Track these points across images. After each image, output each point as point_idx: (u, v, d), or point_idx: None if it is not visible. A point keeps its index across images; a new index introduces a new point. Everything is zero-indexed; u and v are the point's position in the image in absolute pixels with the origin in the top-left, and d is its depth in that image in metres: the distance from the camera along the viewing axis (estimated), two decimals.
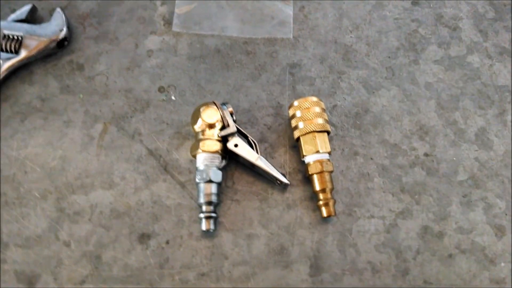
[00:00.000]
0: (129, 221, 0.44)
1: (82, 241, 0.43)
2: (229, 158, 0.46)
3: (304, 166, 0.46)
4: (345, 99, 0.51)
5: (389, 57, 0.53)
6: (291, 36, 0.54)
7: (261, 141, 0.48)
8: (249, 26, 0.54)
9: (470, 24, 0.56)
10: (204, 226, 0.42)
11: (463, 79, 0.53)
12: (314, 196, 0.45)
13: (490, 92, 0.52)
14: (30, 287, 0.41)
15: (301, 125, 0.45)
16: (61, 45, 0.50)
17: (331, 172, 0.45)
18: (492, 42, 0.55)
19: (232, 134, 0.45)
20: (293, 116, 0.46)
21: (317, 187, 0.44)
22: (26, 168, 0.46)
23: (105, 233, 0.43)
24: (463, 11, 0.57)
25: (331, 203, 0.44)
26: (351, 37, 0.54)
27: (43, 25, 0.50)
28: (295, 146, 0.48)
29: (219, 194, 0.44)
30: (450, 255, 0.44)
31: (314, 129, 0.45)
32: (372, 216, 0.45)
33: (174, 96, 0.50)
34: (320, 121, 0.45)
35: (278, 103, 0.50)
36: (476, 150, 0.49)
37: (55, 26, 0.50)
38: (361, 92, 0.51)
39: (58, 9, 0.51)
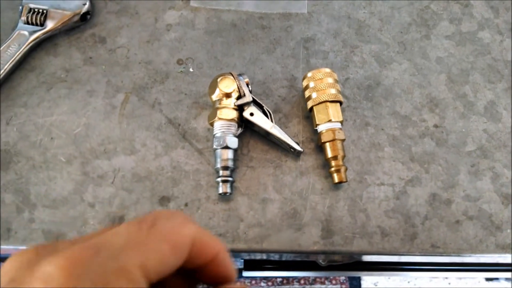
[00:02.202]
0: (150, 184, 0.46)
1: (106, 203, 0.45)
2: (245, 126, 0.48)
3: (316, 135, 0.48)
4: (357, 72, 0.52)
5: (401, 32, 0.55)
6: (305, 11, 0.55)
7: (275, 111, 0.50)
8: (264, 1, 0.55)
9: (482, 0, 0.57)
10: (221, 189, 0.45)
11: (474, 54, 0.54)
12: (326, 164, 0.47)
13: (500, 67, 0.53)
14: None
15: (314, 95, 0.47)
16: (84, 19, 0.53)
17: (343, 140, 0.46)
18: (503, 19, 0.56)
19: (248, 103, 0.47)
20: (307, 87, 0.48)
21: (329, 154, 0.46)
22: (52, 134, 0.48)
23: (127, 196, 0.46)
24: None
25: (342, 169, 0.45)
26: (364, 12, 0.56)
27: (67, 0, 0.52)
28: (308, 116, 0.50)
29: (235, 160, 0.46)
30: (457, 221, 0.46)
31: (327, 99, 0.46)
32: (382, 184, 0.47)
33: (192, 68, 0.52)
34: (333, 91, 0.47)
35: (292, 75, 0.52)
36: (485, 122, 0.50)
37: (78, 1, 0.52)
38: (373, 65, 0.53)
39: None
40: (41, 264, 0.19)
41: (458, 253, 0.45)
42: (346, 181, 0.46)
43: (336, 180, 0.45)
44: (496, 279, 1.37)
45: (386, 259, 0.49)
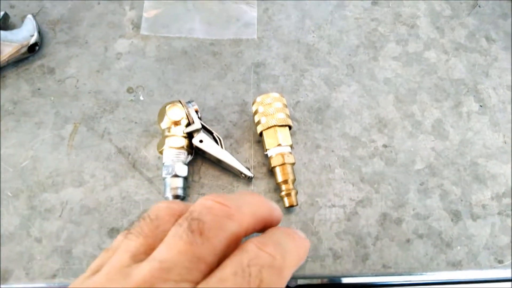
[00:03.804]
0: (98, 216, 0.45)
1: (53, 237, 0.44)
2: (195, 153, 0.48)
3: (267, 159, 0.48)
4: (307, 95, 0.53)
5: (349, 54, 0.56)
6: (255, 37, 0.56)
7: (226, 137, 0.50)
8: (215, 28, 0.56)
9: (427, 21, 0.59)
10: None
11: (420, 74, 0.55)
12: (278, 188, 0.47)
13: (446, 86, 0.55)
14: (2, 283, 0.43)
15: (263, 120, 0.47)
16: (32, 50, 0.52)
17: (292, 164, 0.47)
18: (448, 38, 0.58)
19: (197, 131, 0.47)
20: (256, 111, 0.48)
21: (279, 178, 0.46)
22: None
23: (75, 229, 0.45)
24: (421, 10, 0.59)
25: (293, 193, 0.46)
26: (313, 36, 0.57)
27: (15, 31, 0.52)
28: (259, 141, 0.50)
29: (185, 188, 0.46)
30: (408, 240, 0.46)
31: (276, 124, 0.47)
32: (333, 205, 0.47)
33: (143, 96, 0.52)
34: (282, 115, 0.47)
35: (243, 100, 0.52)
36: (433, 141, 0.51)
37: (26, 32, 0.52)
38: (323, 88, 0.53)
39: (29, 16, 0.53)
40: None
41: (410, 272, 0.45)
42: (297, 205, 0.46)
43: (287, 204, 0.46)
44: None
45: (363, 281, 0.48)
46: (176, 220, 0.25)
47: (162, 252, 0.23)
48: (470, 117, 0.53)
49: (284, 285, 0.25)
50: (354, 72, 0.55)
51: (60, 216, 0.45)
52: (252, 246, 0.24)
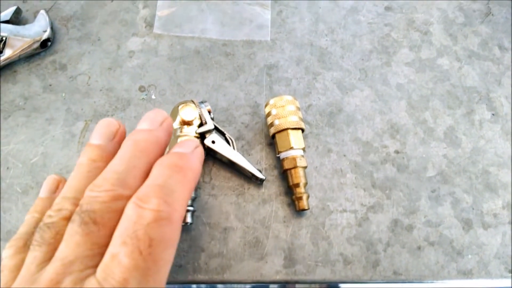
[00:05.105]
0: None
1: None
2: (207, 154, 0.48)
3: (279, 162, 0.48)
4: (319, 99, 0.53)
5: (362, 59, 0.56)
6: (268, 39, 0.56)
7: (238, 138, 0.50)
8: (228, 28, 0.56)
9: (441, 28, 0.59)
10: None
11: (433, 80, 0.55)
12: (289, 191, 0.47)
13: (459, 93, 0.54)
14: None
15: (276, 122, 0.47)
16: (45, 45, 0.52)
17: (304, 167, 0.46)
18: (461, 46, 0.58)
19: (209, 131, 0.47)
20: (269, 114, 0.48)
21: (291, 181, 0.46)
22: (8, 164, 0.47)
23: None
24: (434, 17, 0.59)
25: (304, 197, 0.45)
26: (326, 40, 0.56)
27: (27, 26, 0.52)
28: (271, 143, 0.50)
29: (196, 189, 0.45)
30: (419, 247, 0.46)
31: (289, 127, 0.46)
32: (345, 210, 0.47)
33: (154, 95, 0.51)
34: (295, 118, 0.47)
35: (256, 102, 0.52)
36: (445, 148, 0.51)
37: (38, 27, 0.52)
38: (335, 92, 0.53)
39: (42, 11, 0.53)
40: None
41: (420, 279, 0.45)
42: (308, 209, 0.45)
43: (298, 207, 0.45)
44: None
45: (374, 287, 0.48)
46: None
47: (62, 250, 0.24)
48: (482, 125, 0.53)
49: (179, 225, 0.25)
50: (366, 77, 0.54)
51: None
52: (132, 209, 0.24)
